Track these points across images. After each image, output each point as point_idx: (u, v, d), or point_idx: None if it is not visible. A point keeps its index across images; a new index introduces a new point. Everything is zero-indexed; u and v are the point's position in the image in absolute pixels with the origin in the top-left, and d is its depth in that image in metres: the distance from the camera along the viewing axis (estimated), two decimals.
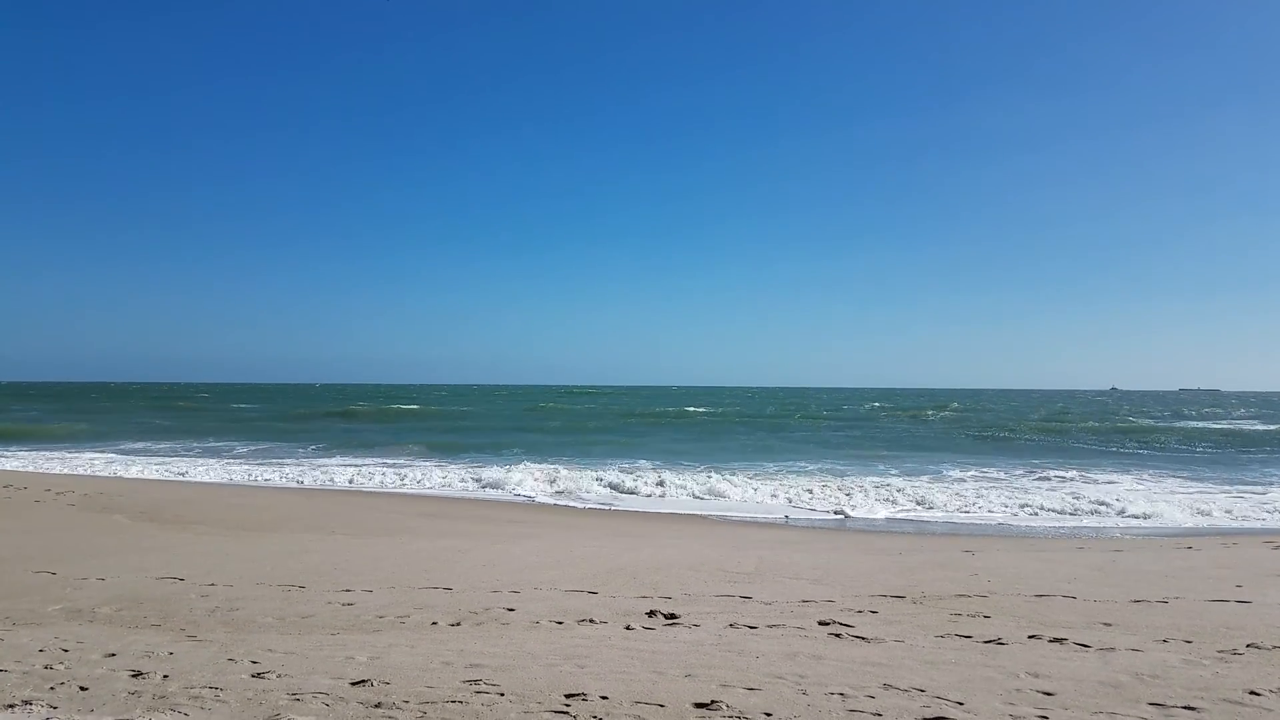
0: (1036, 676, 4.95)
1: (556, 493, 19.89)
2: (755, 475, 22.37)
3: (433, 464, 26.16)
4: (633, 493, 19.84)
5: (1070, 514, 16.31)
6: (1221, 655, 5.52)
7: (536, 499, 19.04)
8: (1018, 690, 4.67)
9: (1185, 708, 4.36)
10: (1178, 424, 50.82)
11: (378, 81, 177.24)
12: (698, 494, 19.43)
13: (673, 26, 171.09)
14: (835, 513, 16.45)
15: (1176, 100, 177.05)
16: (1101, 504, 17.08)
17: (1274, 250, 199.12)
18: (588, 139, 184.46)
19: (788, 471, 23.88)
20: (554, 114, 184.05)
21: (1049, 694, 4.59)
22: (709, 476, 21.42)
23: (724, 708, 4.29)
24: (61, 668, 5.01)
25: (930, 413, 63.60)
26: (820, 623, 6.57)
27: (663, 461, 26.28)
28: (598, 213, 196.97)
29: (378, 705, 4.29)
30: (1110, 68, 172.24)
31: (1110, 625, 6.51)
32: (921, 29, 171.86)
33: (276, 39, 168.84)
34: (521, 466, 23.20)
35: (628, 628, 6.39)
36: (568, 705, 4.32)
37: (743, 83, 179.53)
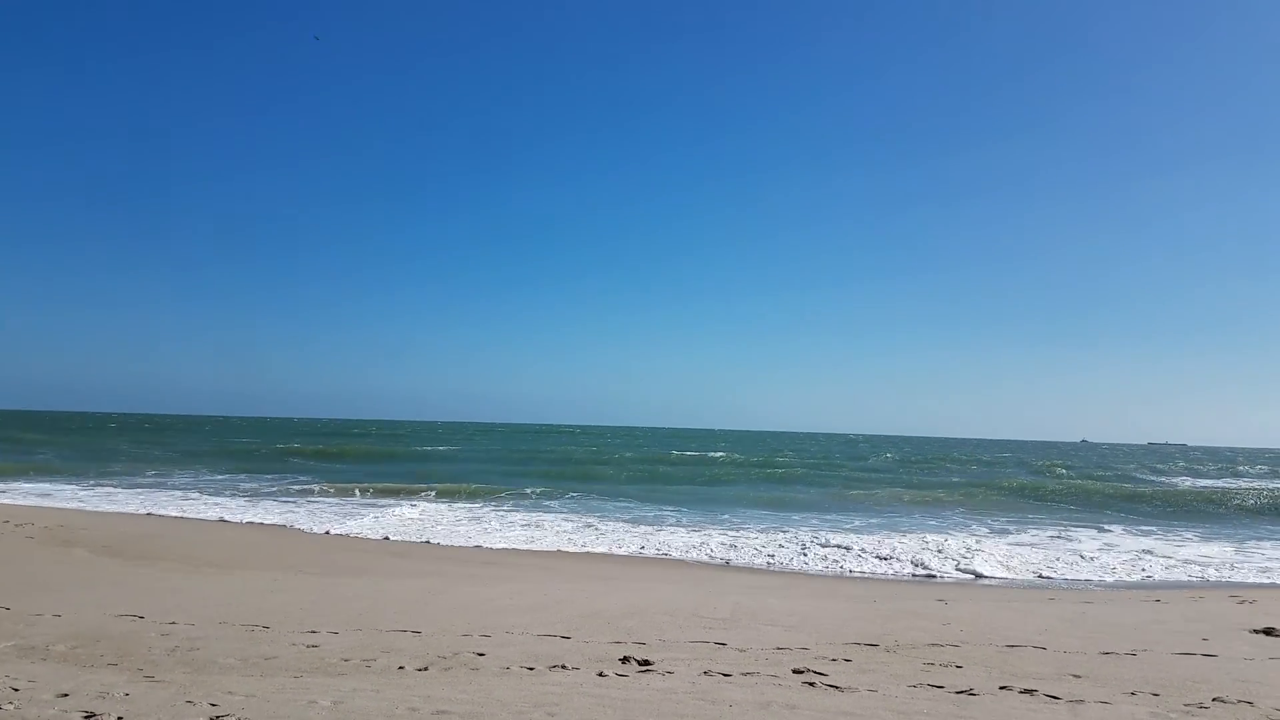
0: None
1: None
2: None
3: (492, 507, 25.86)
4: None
5: None
6: (1188, 708, 5.51)
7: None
8: None
9: None
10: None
11: (356, 117, 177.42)
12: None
13: (670, 43, 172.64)
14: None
15: (1152, 145, 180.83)
16: None
17: (1241, 310, 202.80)
18: (561, 168, 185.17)
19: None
20: (533, 140, 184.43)
21: None
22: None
23: None
24: (11, 707, 4.85)
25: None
26: (794, 671, 6.51)
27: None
28: (562, 248, 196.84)
29: None
30: (1086, 119, 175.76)
31: (1080, 677, 6.50)
32: (909, 67, 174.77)
33: (245, 76, 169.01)
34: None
35: (600, 674, 6.30)
36: None
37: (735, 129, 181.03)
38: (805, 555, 16.67)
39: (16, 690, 5.31)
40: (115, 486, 28.70)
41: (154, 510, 22.36)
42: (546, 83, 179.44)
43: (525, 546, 17.50)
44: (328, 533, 18.62)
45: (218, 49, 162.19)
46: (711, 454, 63.15)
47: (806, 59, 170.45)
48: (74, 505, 22.80)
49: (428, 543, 17.60)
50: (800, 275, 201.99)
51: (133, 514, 21.30)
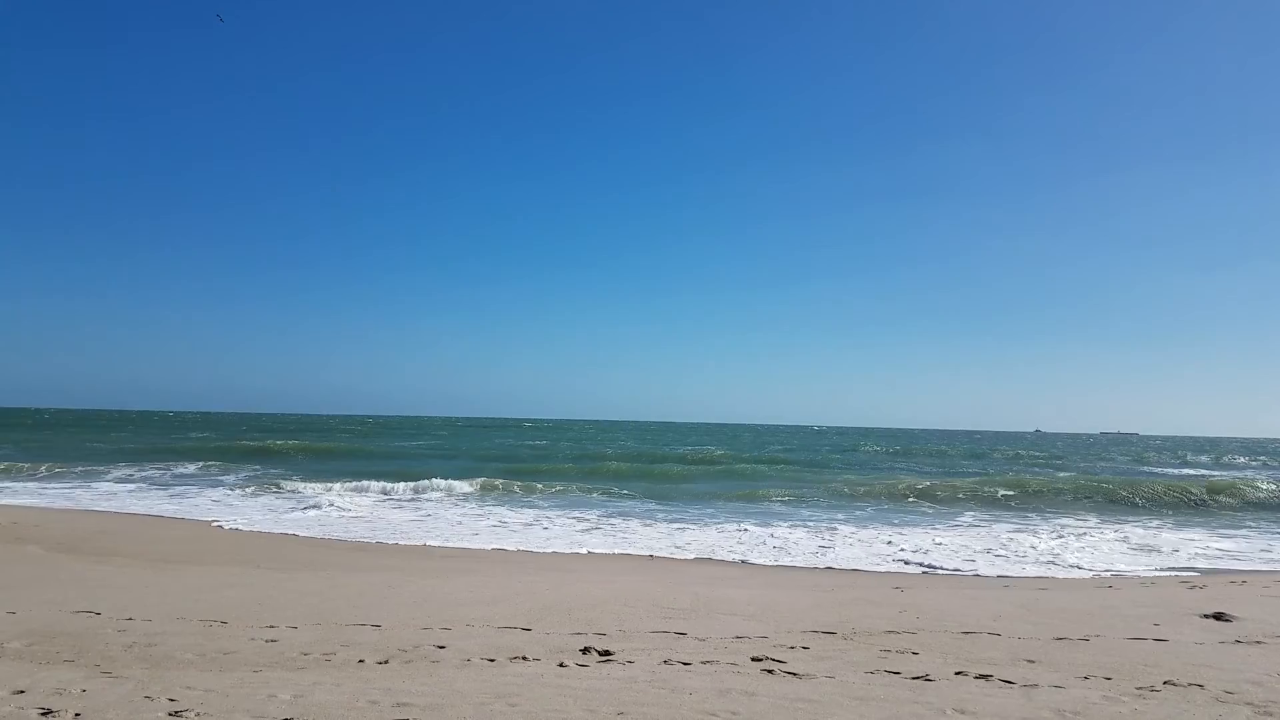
0: (962, 713, 5.02)
1: None
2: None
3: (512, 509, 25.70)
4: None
5: None
6: (1140, 692, 5.67)
7: None
8: None
9: None
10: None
11: (344, 102, 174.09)
12: None
13: (660, 35, 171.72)
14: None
15: (1103, 143, 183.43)
16: None
17: (1188, 304, 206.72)
18: (552, 157, 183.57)
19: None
20: (524, 129, 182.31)
21: None
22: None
23: None
24: None
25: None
26: (753, 659, 6.59)
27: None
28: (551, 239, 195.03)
29: None
30: (1045, 119, 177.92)
31: (1034, 662, 6.65)
32: (869, 66, 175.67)
33: (230, 59, 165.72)
34: None
35: (561, 665, 6.33)
36: None
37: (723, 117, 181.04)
38: (763, 546, 16.89)
39: None
40: (69, 484, 28.15)
41: (109, 507, 22.00)
42: (511, 76, 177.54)
43: (482, 542, 17.47)
44: (295, 535, 18.42)
45: (182, 34, 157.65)
46: (665, 449, 63.20)
47: (777, 54, 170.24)
48: (24, 502, 22.37)
49: (380, 543, 17.51)
50: (756, 272, 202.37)
51: (86, 511, 20.94)
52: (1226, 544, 18.59)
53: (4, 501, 22.30)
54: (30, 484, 27.62)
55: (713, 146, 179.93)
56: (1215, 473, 47.01)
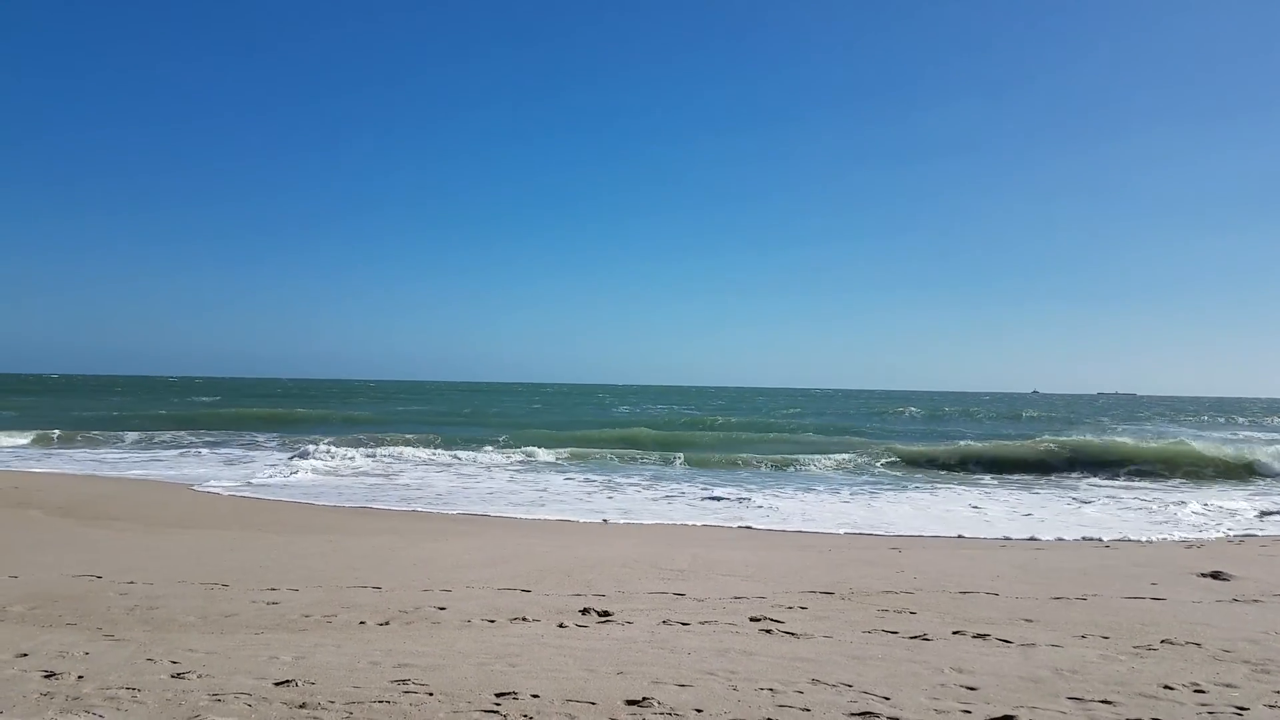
0: (960, 671, 5.06)
1: None
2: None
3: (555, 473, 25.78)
4: None
5: None
6: (1137, 650, 5.71)
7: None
8: (942, 685, 4.77)
9: (1102, 701, 4.50)
10: None
11: (336, 65, 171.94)
12: None
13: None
14: None
15: (1099, 104, 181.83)
16: None
17: (1187, 260, 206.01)
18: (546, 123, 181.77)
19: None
20: (515, 96, 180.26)
21: (972, 688, 4.70)
22: None
23: (655, 704, 4.31)
24: None
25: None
26: (751, 619, 6.63)
27: None
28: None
29: (302, 706, 4.21)
30: (1035, 69, 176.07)
31: (1031, 621, 6.69)
32: (861, 30, 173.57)
33: (228, 18, 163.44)
34: None
35: (561, 625, 6.37)
36: (498, 704, 4.29)
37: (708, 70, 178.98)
38: (756, 507, 16.94)
39: None
40: (71, 449, 28.21)
41: (110, 472, 22.06)
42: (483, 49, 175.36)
43: (491, 507, 17.55)
44: (297, 500, 18.48)
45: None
46: (657, 406, 62.47)
47: (778, 20, 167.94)
48: (27, 467, 22.42)
49: (382, 508, 17.56)
50: (754, 235, 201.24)
51: (88, 476, 20.98)
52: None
53: (6, 466, 22.36)
54: (33, 449, 27.67)
55: (770, 97, 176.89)
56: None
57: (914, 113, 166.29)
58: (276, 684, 4.57)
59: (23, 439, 29.80)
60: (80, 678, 4.65)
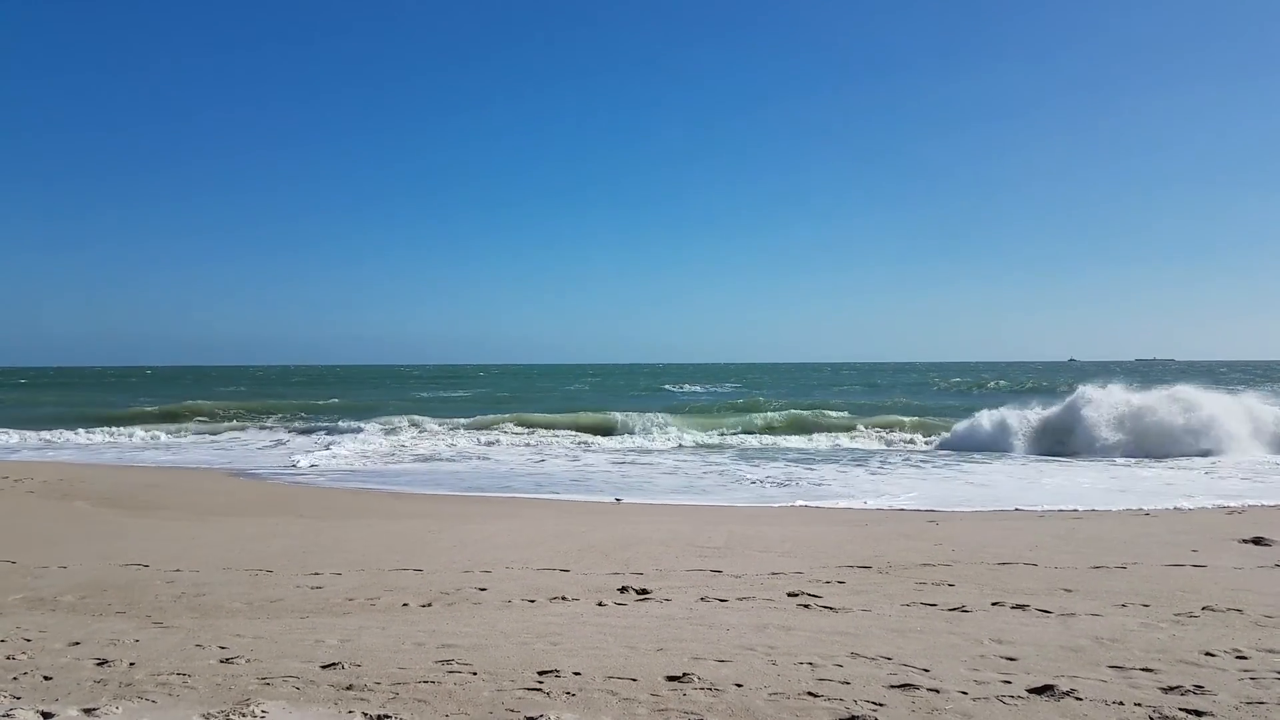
0: (1000, 642, 5.05)
1: None
2: None
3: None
4: None
5: None
6: (1178, 618, 5.66)
7: None
8: (982, 656, 4.77)
9: (1143, 670, 4.48)
10: None
11: (341, 57, 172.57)
12: None
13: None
14: None
15: (1135, 66, 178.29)
16: None
17: (1226, 221, 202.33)
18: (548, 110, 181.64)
19: None
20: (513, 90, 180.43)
21: (1012, 659, 4.69)
22: None
23: (695, 680, 4.34)
24: (24, 658, 4.95)
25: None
26: (789, 594, 6.65)
27: None
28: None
29: (349, 687, 4.29)
30: (1073, 31, 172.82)
31: (1071, 591, 6.65)
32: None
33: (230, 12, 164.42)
34: None
35: (600, 604, 6.43)
36: (540, 682, 4.35)
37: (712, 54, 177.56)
38: (793, 484, 16.94)
39: (29, 640, 5.40)
40: (111, 439, 28.68)
41: (151, 461, 22.44)
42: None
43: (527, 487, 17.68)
44: (336, 486, 18.71)
45: None
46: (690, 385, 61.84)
47: None
48: (69, 458, 22.87)
49: (415, 492, 17.74)
50: (788, 208, 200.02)
51: (129, 465, 21.37)
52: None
53: (50, 457, 22.82)
54: (76, 439, 28.17)
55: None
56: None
57: (953, 79, 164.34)
58: (323, 666, 4.66)
59: (62, 432, 30.29)
60: (132, 665, 4.76)
